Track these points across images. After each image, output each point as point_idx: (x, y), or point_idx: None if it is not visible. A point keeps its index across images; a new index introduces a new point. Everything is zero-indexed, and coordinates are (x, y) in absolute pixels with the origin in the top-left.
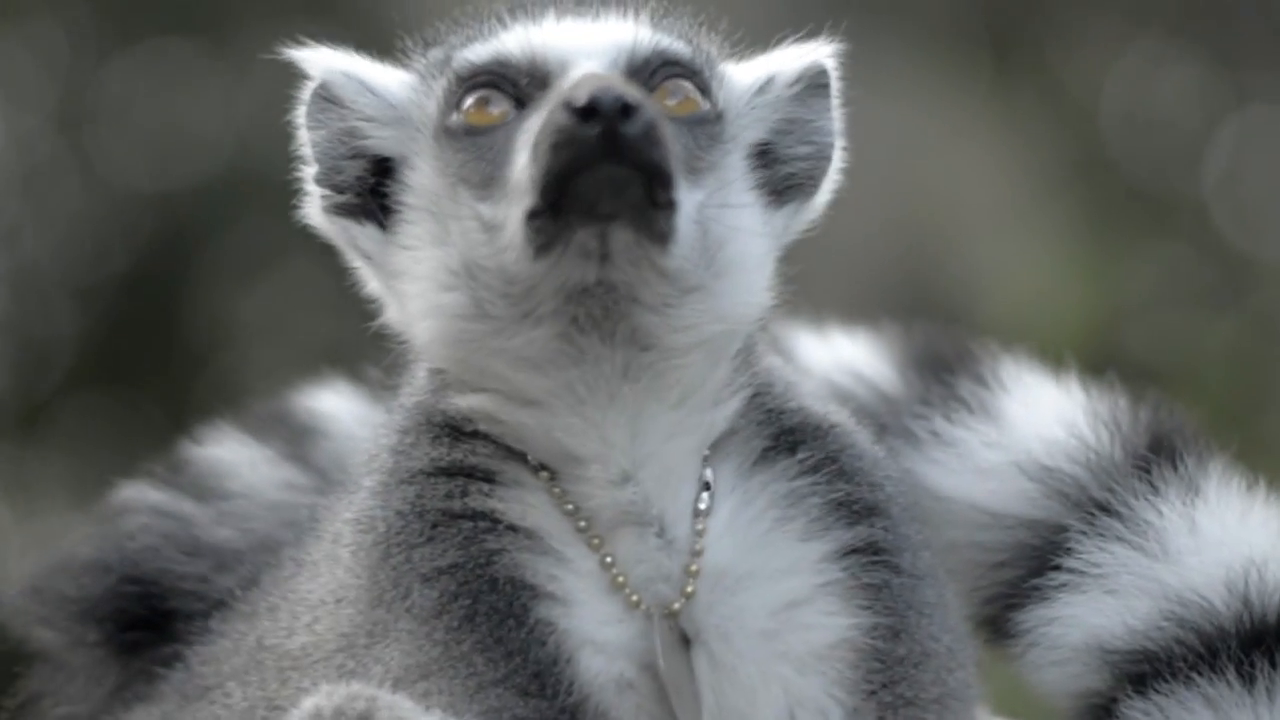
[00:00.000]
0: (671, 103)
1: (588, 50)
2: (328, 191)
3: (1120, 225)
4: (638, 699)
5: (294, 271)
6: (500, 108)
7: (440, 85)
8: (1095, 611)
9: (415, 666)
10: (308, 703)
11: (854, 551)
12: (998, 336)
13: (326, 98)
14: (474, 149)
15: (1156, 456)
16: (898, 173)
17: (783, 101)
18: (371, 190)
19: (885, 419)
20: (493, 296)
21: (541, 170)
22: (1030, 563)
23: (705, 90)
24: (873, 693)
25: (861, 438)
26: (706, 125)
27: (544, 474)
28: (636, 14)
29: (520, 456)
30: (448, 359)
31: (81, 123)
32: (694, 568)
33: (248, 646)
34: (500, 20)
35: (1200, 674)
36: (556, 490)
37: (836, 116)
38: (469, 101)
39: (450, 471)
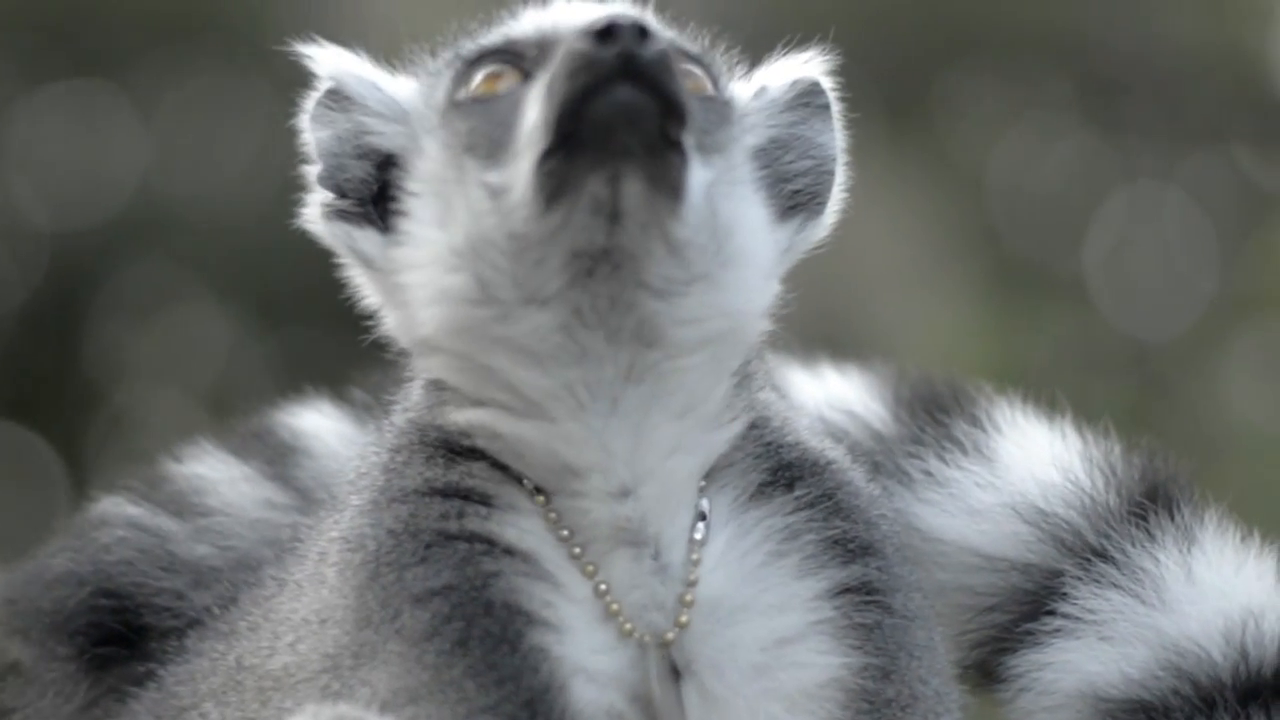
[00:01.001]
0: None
1: None
2: (329, 196)
3: (1014, 293)
4: None
5: (190, 312)
6: (508, 81)
7: (448, 74)
8: (1090, 658)
9: (404, 690)
10: None
11: (847, 590)
12: None
13: (335, 97)
14: (482, 115)
15: (1153, 504)
16: None
17: (778, 111)
18: (373, 199)
19: (877, 457)
20: (498, 275)
21: (557, 100)
22: (1023, 607)
23: (714, 81)
24: None
25: (857, 475)
26: (716, 106)
27: (540, 498)
28: (645, 3)
29: (516, 480)
30: (449, 358)
31: None
32: (688, 598)
33: (226, 666)
34: (509, 15)
35: None
36: (552, 515)
37: (839, 132)
38: (478, 76)
39: (445, 493)
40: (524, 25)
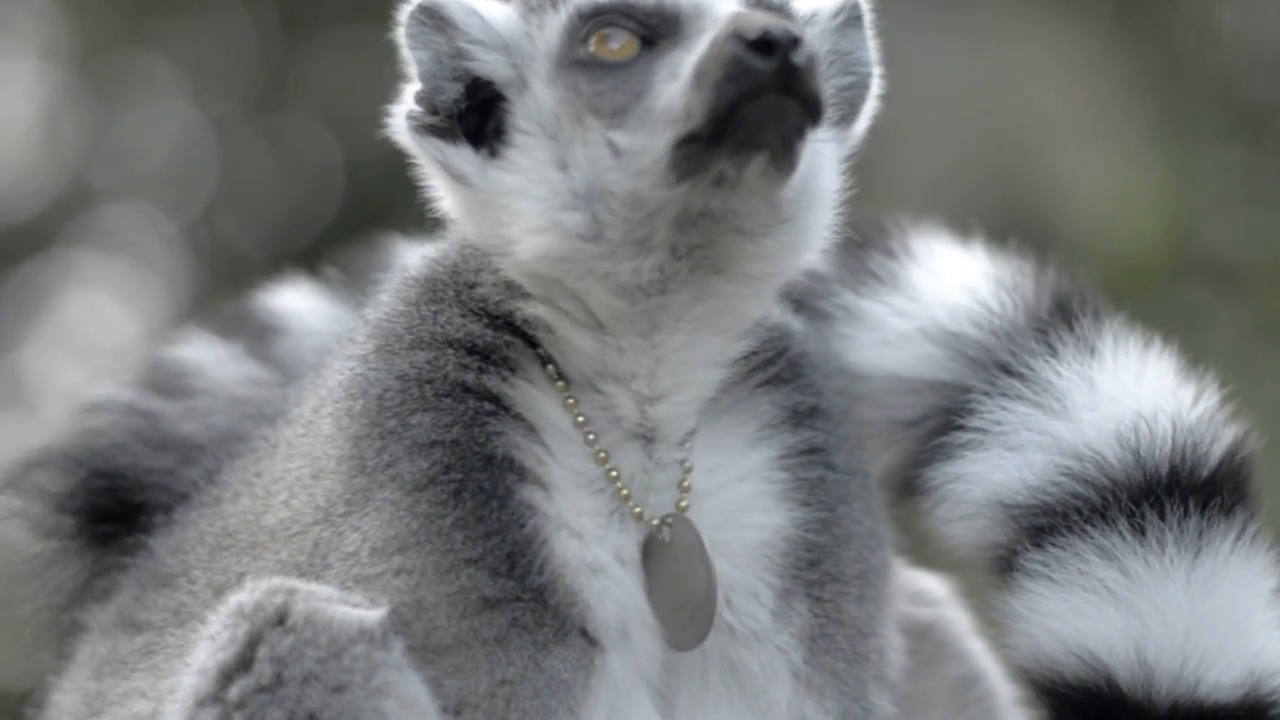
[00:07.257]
0: None
1: None
2: (421, 111)
3: (1198, 132)
4: (606, 583)
5: None
6: (624, 43)
7: (559, 19)
8: (996, 468)
9: (394, 538)
10: (231, 600)
11: (797, 453)
12: (1079, 242)
13: (432, 17)
14: (606, 80)
15: (1054, 319)
16: (979, 87)
17: (827, 34)
18: (473, 111)
19: (798, 296)
20: (613, 220)
21: (712, 99)
22: (938, 421)
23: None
24: (800, 571)
25: (812, 343)
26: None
27: (560, 383)
28: None
29: (541, 361)
30: (543, 276)
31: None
32: (685, 483)
33: (214, 534)
34: None
35: (1094, 526)
36: (570, 400)
37: (872, 46)
38: (596, 36)
39: (471, 347)
40: None
